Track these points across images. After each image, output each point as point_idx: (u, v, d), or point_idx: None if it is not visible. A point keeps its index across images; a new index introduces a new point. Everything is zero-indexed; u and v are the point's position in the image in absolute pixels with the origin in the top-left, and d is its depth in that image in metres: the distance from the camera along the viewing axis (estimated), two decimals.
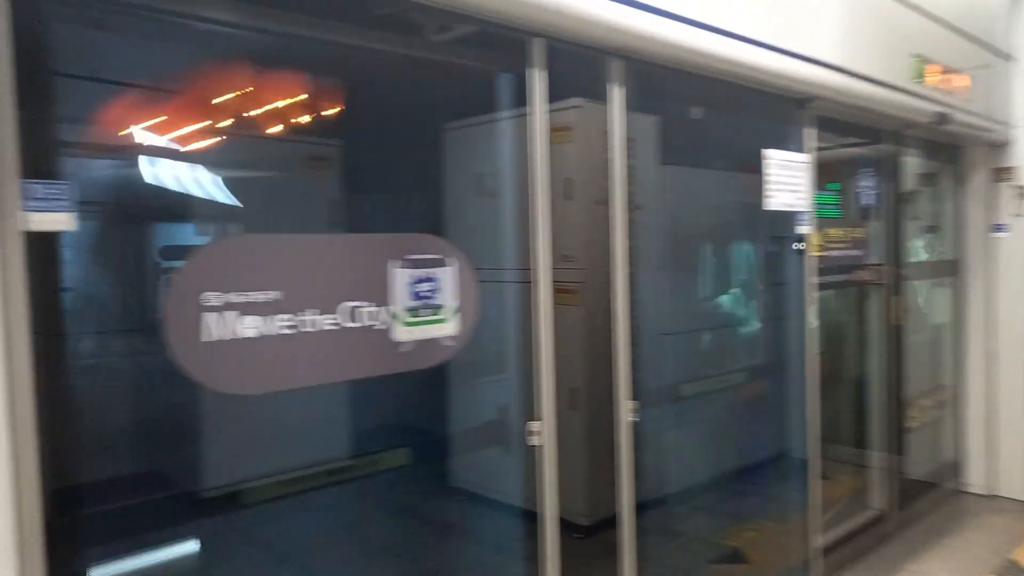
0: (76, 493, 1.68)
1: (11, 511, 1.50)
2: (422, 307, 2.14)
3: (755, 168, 3.11)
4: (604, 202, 2.57)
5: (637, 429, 2.71)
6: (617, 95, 2.50)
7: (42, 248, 1.51)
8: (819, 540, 3.62)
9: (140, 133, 3.54)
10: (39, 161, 1.52)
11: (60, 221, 1.51)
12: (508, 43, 2.30)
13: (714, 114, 3.47)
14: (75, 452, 1.73)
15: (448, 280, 2.17)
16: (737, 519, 4.17)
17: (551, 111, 2.35)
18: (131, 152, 3.66)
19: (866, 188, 4.12)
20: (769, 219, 3.27)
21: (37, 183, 1.50)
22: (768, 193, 3.04)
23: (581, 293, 3.70)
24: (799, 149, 3.28)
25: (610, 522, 3.81)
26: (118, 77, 3.21)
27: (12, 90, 1.48)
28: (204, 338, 1.74)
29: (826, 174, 3.57)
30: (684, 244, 4.24)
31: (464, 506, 4.25)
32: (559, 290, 2.45)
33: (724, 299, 4.58)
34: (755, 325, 4.59)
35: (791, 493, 3.73)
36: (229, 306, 1.78)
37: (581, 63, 2.48)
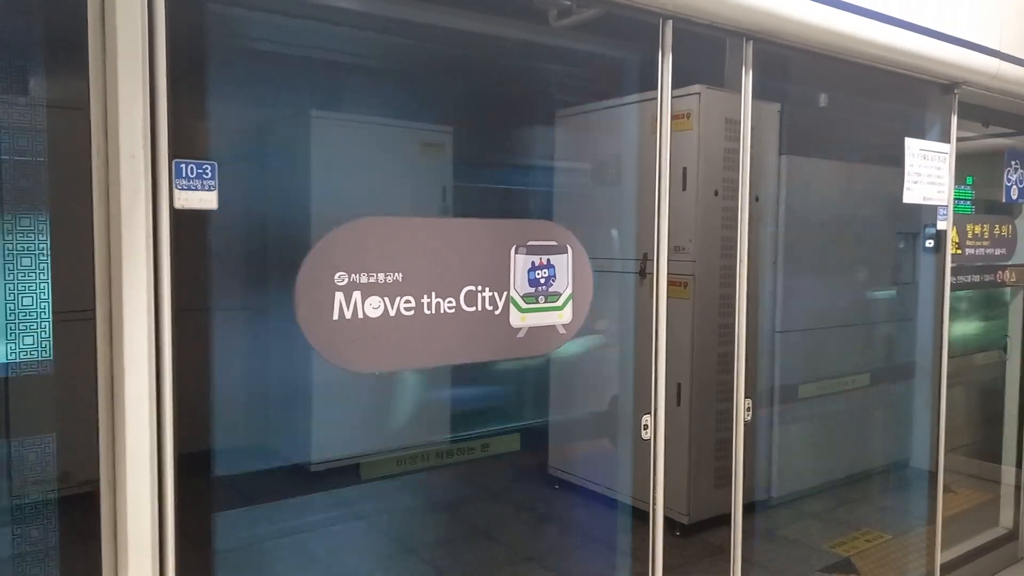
0: (205, 459, 1.76)
1: (149, 474, 1.57)
2: (538, 294, 2.12)
3: (883, 159, 2.93)
4: (720, 193, 2.47)
5: (749, 428, 2.61)
6: (748, 80, 2.39)
7: (191, 226, 1.58)
8: (941, 556, 3.40)
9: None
10: (189, 141, 1.59)
11: (207, 200, 1.57)
12: (629, 27, 2.23)
13: (841, 100, 3.29)
14: (208, 421, 1.81)
15: (565, 268, 2.15)
16: (848, 527, 3.97)
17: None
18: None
19: (1017, 182, 3.81)
20: (898, 213, 3.07)
21: (187, 162, 1.56)
22: (907, 185, 2.85)
23: (691, 286, 3.60)
24: (941, 138, 3.06)
25: (710, 523, 3.72)
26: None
27: (166, 70, 1.54)
28: (334, 317, 1.78)
29: (963, 167, 3.32)
30: (803, 238, 4.05)
31: (562, 495, 4.23)
32: (669, 282, 2.38)
33: (847, 297, 4.34)
34: (880, 325, 4.34)
35: (910, 504, 3.52)
36: (357, 286, 1.81)
37: (702, 47, 2.38)
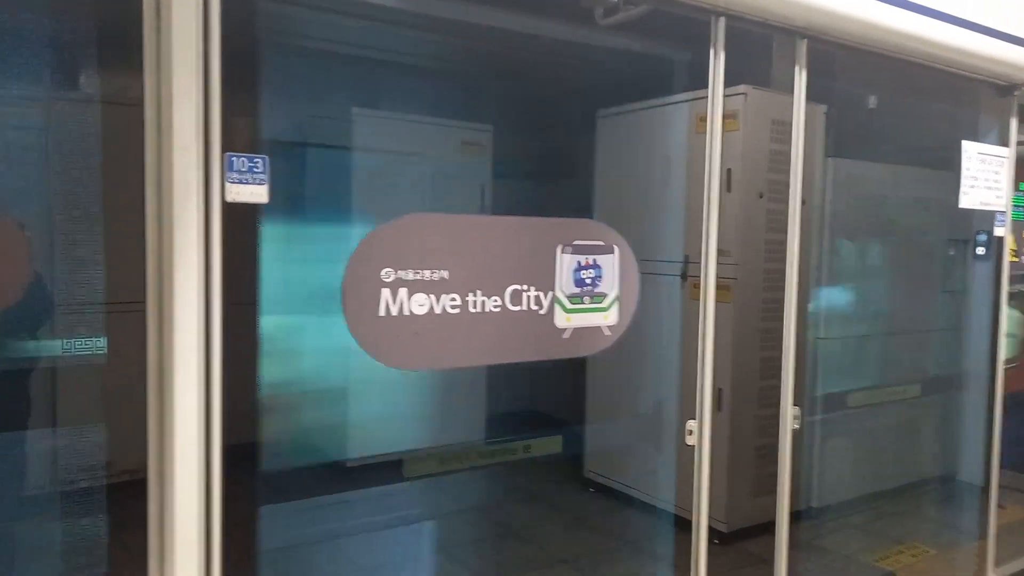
0: (250, 452, 1.77)
1: (196, 465, 1.58)
2: (584, 294, 2.09)
3: (934, 162, 2.84)
4: (764, 195, 2.42)
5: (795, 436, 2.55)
6: (801, 79, 2.34)
7: (242, 219, 1.58)
8: (994, 573, 3.29)
9: None
10: (241, 135, 1.59)
11: (258, 193, 1.57)
12: (677, 25, 2.20)
13: (892, 101, 3.21)
14: (254, 414, 1.81)
15: (611, 268, 2.11)
16: (892, 541, 3.87)
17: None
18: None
19: None
20: (949, 219, 2.98)
21: (239, 156, 1.56)
22: (963, 189, 2.77)
23: (733, 290, 3.53)
24: (999, 142, 2.97)
25: (749, 531, 3.65)
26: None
27: (220, 65, 1.55)
28: (379, 313, 1.77)
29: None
30: (848, 242, 3.96)
31: (598, 499, 4.19)
32: None
33: (893, 304, 4.24)
34: (928, 334, 4.23)
35: (957, 518, 3.42)
36: (403, 283, 1.80)
37: (748, 46, 2.34)
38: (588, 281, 2.09)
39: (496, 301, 1.94)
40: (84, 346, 1.65)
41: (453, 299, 1.88)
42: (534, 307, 1.99)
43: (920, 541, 3.81)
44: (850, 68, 2.60)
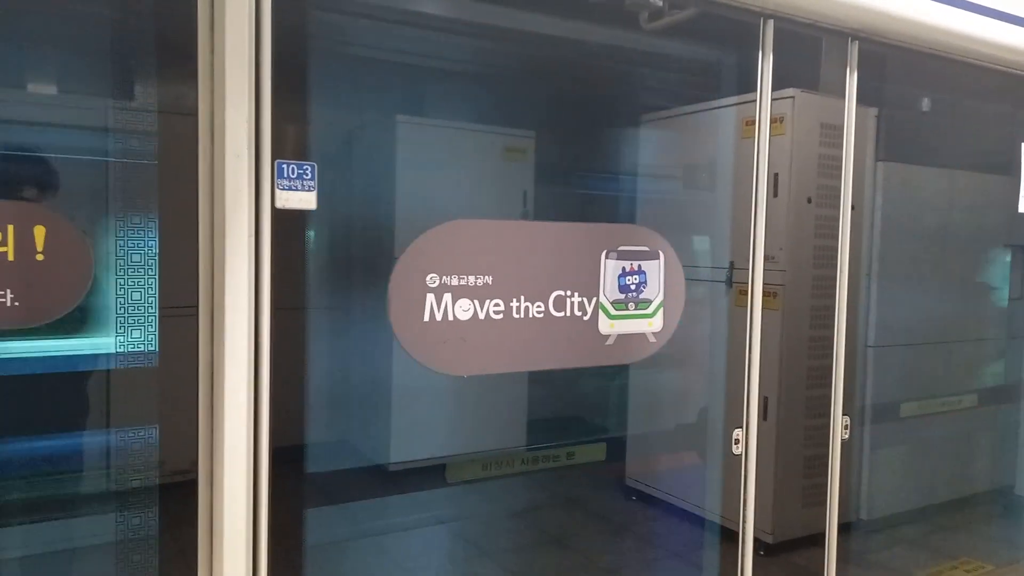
0: (297, 454, 1.79)
1: (245, 466, 1.61)
2: (628, 300, 2.07)
3: (992, 167, 2.75)
4: (813, 200, 2.37)
5: (845, 447, 2.49)
6: (852, 82, 2.29)
7: (291, 225, 1.61)
8: None
9: None
10: (290, 142, 1.62)
11: (307, 200, 1.60)
12: (724, 28, 2.17)
13: (946, 103, 3.11)
14: (301, 417, 1.84)
15: (656, 274, 2.09)
16: (945, 556, 3.75)
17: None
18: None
19: None
20: (1008, 224, 2.88)
21: (289, 163, 1.59)
22: (1022, 194, 2.68)
23: (781, 296, 3.47)
24: None
25: (796, 543, 3.58)
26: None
27: (271, 74, 1.58)
28: (424, 318, 1.78)
29: None
30: (900, 248, 3.86)
31: (640, 507, 4.15)
32: None
33: (947, 312, 4.12)
34: (985, 343, 4.09)
35: (1015, 533, 3.29)
36: (447, 288, 1.81)
37: (795, 48, 2.30)
38: (632, 287, 2.07)
39: (540, 307, 1.94)
40: (137, 348, 1.69)
41: (497, 304, 1.88)
42: (577, 313, 1.98)
43: (976, 556, 3.68)
44: (902, 69, 2.53)
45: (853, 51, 2.27)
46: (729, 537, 2.37)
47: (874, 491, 3.76)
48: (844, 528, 3.19)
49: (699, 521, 3.71)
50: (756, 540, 3.54)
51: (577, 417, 5.14)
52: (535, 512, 4.14)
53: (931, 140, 3.76)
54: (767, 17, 2.11)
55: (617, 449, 4.13)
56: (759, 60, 2.15)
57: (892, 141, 3.47)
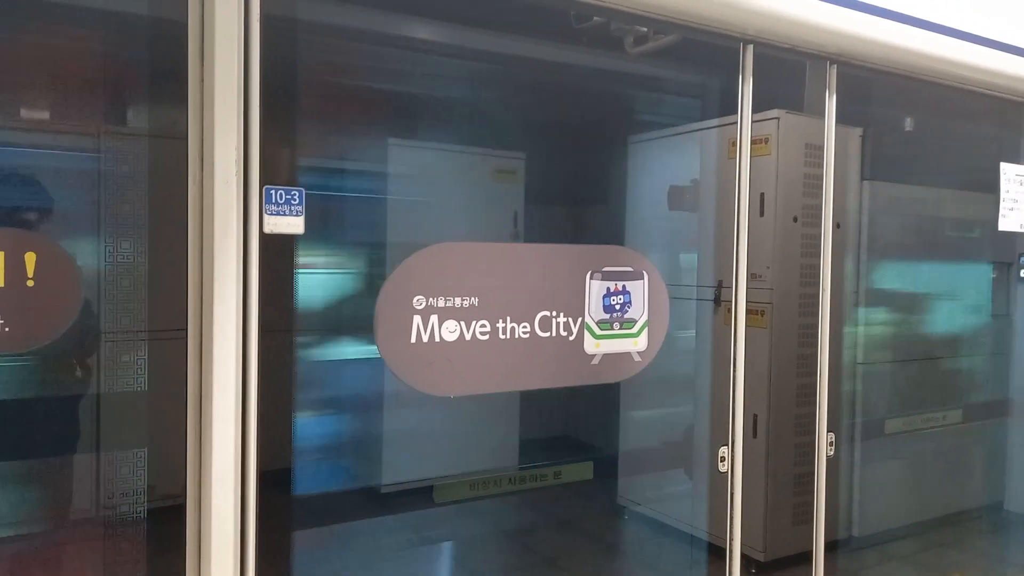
0: (284, 477, 1.80)
1: (233, 489, 1.62)
2: (613, 320, 2.10)
3: (973, 185, 2.80)
4: (799, 219, 2.41)
5: (832, 463, 2.51)
6: (831, 104, 2.34)
7: (279, 250, 1.63)
8: None
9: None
10: (279, 168, 1.65)
11: (295, 225, 1.63)
12: (707, 53, 2.22)
13: (928, 124, 3.17)
14: (288, 441, 1.85)
15: (640, 294, 2.12)
16: (936, 572, 3.75)
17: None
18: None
19: None
20: (991, 242, 2.93)
21: (277, 188, 1.62)
22: (1002, 212, 2.73)
23: (769, 315, 3.50)
24: None
25: (789, 561, 3.57)
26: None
27: (259, 101, 1.61)
28: (411, 340, 1.80)
29: None
30: (886, 266, 3.90)
31: (632, 525, 4.15)
32: (747, 311, 2.32)
33: (933, 329, 4.16)
34: (970, 359, 4.13)
35: (1004, 549, 3.30)
36: (434, 310, 1.84)
37: (780, 71, 2.35)
38: (617, 307, 2.10)
39: (525, 327, 1.97)
40: (125, 372, 1.71)
41: (483, 325, 1.91)
42: (563, 333, 2.01)
43: (967, 572, 3.68)
44: (886, 91, 2.59)
45: (832, 75, 2.33)
46: (720, 555, 2.38)
47: (865, 508, 3.77)
48: (836, 545, 3.20)
49: (691, 540, 3.71)
50: (748, 558, 3.56)
51: (569, 436, 5.15)
52: (526, 532, 4.13)
53: (915, 160, 3.82)
54: (747, 42, 2.16)
55: (609, 468, 4.14)
56: (739, 84, 2.20)
57: (877, 160, 3.52)
